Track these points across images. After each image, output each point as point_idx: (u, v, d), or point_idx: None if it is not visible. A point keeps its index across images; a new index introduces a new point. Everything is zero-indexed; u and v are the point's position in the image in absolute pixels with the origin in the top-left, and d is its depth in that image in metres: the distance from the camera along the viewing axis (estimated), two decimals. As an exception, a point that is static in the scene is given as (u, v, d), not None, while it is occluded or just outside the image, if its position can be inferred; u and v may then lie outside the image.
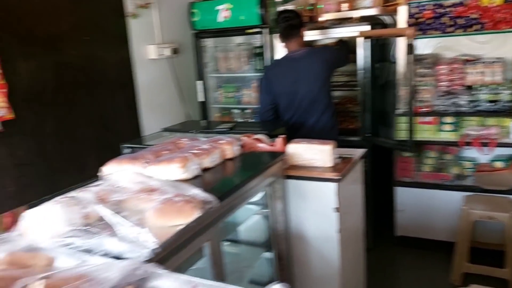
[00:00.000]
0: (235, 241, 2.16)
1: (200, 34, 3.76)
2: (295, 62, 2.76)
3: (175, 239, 1.17)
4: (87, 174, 1.77)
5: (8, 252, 1.05)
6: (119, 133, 3.14)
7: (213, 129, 2.73)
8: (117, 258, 1.05)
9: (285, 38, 2.81)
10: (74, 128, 2.85)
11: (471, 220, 2.79)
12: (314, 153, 1.99)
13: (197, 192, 1.37)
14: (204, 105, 3.95)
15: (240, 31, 3.56)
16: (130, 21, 3.26)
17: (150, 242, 1.10)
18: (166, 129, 2.93)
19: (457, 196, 3.05)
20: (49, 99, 2.69)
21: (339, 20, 3.27)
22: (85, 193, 1.37)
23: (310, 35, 3.16)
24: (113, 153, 2.00)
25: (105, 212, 1.17)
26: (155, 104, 3.54)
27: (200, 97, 3.92)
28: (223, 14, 3.52)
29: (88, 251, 1.09)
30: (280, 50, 3.23)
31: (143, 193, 1.34)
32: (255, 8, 3.37)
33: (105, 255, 1.07)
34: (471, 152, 3.14)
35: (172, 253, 1.18)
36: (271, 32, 3.45)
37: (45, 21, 2.67)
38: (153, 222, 1.19)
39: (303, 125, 2.81)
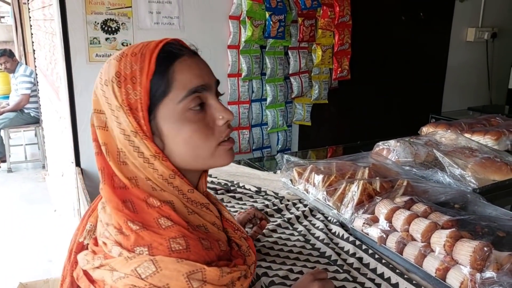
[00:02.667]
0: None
1: (528, 20, 3.61)
2: None
3: (490, 188, 1.48)
4: (391, 132, 2.21)
5: (371, 163, 1.60)
6: (423, 104, 3.51)
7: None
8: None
9: None
10: (386, 94, 3.38)
11: None
12: None
13: (512, 160, 1.62)
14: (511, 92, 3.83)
15: None
16: (458, 3, 3.48)
17: (473, 183, 1.45)
18: (471, 108, 3.11)
19: None
20: (374, 69, 3.28)
21: None
22: (417, 141, 1.82)
23: None
24: (414, 120, 2.39)
25: (439, 154, 1.59)
26: (461, 85, 3.71)
27: (511, 84, 3.81)
28: None
29: (422, 177, 1.53)
30: None
31: (465, 150, 1.69)
32: None
33: (436, 182, 1.49)
34: None
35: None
36: None
37: (388, 4, 3.22)
38: (475, 170, 1.53)
39: None
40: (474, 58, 3.73)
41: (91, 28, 2.23)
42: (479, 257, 0.89)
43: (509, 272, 0.88)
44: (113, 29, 2.30)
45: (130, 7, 2.31)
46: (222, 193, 1.46)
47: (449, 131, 2.04)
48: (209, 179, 1.57)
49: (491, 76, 3.83)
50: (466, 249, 0.91)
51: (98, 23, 2.25)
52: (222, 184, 1.54)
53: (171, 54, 0.74)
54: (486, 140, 1.93)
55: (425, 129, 2.19)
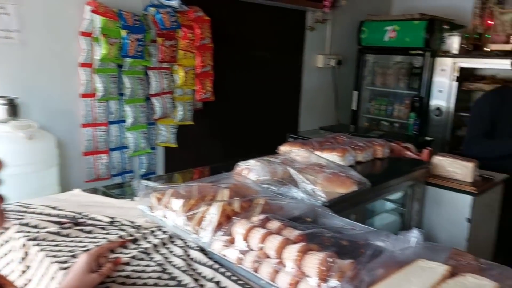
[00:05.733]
0: (369, 230, 2.52)
1: (364, 50, 4.16)
2: None
3: (336, 201, 1.62)
4: (252, 151, 2.31)
5: (232, 183, 1.61)
6: (281, 125, 3.75)
7: (363, 134, 3.11)
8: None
9: None
10: (249, 116, 3.53)
11: None
12: (457, 167, 2.24)
13: (354, 173, 1.80)
14: (355, 114, 4.34)
15: (403, 51, 3.86)
16: (308, 33, 3.83)
17: (322, 197, 1.56)
18: (322, 128, 3.42)
19: None
20: (236, 90, 3.40)
21: (505, 51, 3.34)
22: (274, 159, 1.91)
23: (473, 63, 3.30)
24: (274, 139, 2.54)
25: (293, 172, 1.68)
26: (313, 106, 4.07)
27: (354, 106, 4.32)
28: (389, 35, 3.86)
29: (279, 194, 1.60)
30: (439, 73, 3.44)
31: (315, 166, 1.82)
32: (422, 32, 3.63)
33: (291, 199, 1.57)
34: None
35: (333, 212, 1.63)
36: (432, 56, 3.67)
37: (245, 29, 3.39)
38: (323, 185, 1.65)
39: None
40: (323, 82, 4.14)
41: None
42: (324, 267, 0.94)
43: (350, 279, 0.95)
44: None
45: (-44, 16, 2.00)
46: (69, 227, 1.30)
47: (302, 149, 2.19)
48: (53, 211, 1.40)
49: (338, 98, 4.29)
50: (312, 261, 0.96)
51: None
52: (70, 216, 1.38)
53: None
54: (333, 157, 2.12)
55: (282, 148, 2.31)
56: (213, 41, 2.95)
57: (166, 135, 3.00)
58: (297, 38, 3.81)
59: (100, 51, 2.43)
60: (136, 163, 2.91)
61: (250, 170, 1.76)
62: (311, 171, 1.79)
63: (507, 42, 3.28)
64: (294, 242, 1.06)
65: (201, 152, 3.24)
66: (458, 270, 0.92)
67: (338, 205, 1.63)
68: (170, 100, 2.90)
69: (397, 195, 2.31)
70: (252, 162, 1.80)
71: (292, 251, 1.01)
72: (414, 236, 1.13)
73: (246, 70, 3.45)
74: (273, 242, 1.06)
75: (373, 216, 2.40)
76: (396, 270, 0.98)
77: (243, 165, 1.80)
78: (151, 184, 1.50)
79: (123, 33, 2.45)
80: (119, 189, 2.01)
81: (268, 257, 1.06)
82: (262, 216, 1.20)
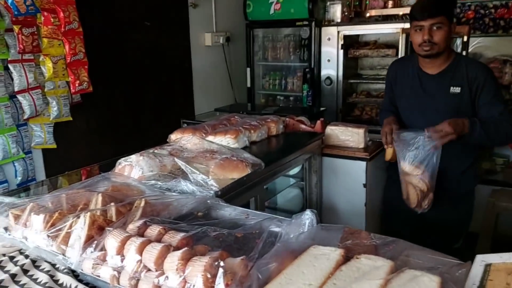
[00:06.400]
0: (274, 208, 2.50)
1: (252, 25, 4.08)
2: None
3: (230, 188, 1.51)
4: (148, 143, 2.13)
5: (111, 185, 1.42)
6: (175, 110, 3.54)
7: (260, 111, 3.05)
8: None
9: None
10: (137, 105, 3.26)
11: (495, 212, 2.98)
12: (349, 135, 2.28)
13: (248, 156, 1.71)
14: (251, 91, 4.28)
15: (289, 23, 3.85)
16: (192, 10, 3.63)
17: (214, 187, 1.44)
18: (217, 109, 3.30)
19: (486, 190, 3.21)
20: (118, 77, 3.11)
21: (384, 16, 3.48)
22: (161, 151, 1.74)
23: (355, 30, 3.39)
24: (170, 127, 2.35)
25: (181, 163, 1.53)
26: (207, 87, 3.91)
27: (248, 83, 4.25)
28: (274, 7, 3.82)
29: (168, 189, 1.44)
30: (326, 43, 3.50)
31: (206, 153, 1.69)
32: (305, 2, 3.65)
33: (180, 193, 1.42)
34: (505, 149, 3.29)
35: (228, 200, 1.52)
36: (317, 26, 3.71)
37: (119, 8, 3.08)
38: (215, 173, 1.53)
39: None
40: (214, 61, 3.99)
41: None
42: (210, 274, 0.82)
43: (241, 279, 0.85)
44: None
45: None
46: None
47: (194, 135, 2.04)
48: None
49: (232, 77, 4.19)
50: (197, 269, 0.84)
51: None
52: None
53: None
54: (227, 140, 2.01)
55: (173, 137, 2.15)
56: (81, 25, 2.62)
57: (41, 135, 2.63)
58: (180, 16, 3.58)
59: None
60: (10, 171, 2.52)
61: (133, 167, 1.57)
62: (202, 159, 1.66)
63: (385, 7, 3.43)
64: (177, 248, 0.92)
65: (87, 151, 2.93)
66: (353, 252, 0.87)
67: (233, 191, 1.53)
68: (40, 95, 2.54)
69: (295, 170, 2.29)
70: (133, 157, 1.61)
71: (173, 260, 0.87)
72: (307, 218, 1.06)
73: (126, 54, 3.16)
74: (152, 252, 0.91)
75: (276, 194, 2.36)
76: (289, 261, 0.89)
77: (123, 162, 1.60)
78: (7, 200, 1.24)
79: (-36, 21, 2.05)
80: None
81: (149, 270, 0.91)
82: (139, 222, 1.04)
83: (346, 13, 3.68)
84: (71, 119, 2.75)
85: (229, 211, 1.25)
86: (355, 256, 0.85)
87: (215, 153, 1.70)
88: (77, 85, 2.67)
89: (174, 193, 1.41)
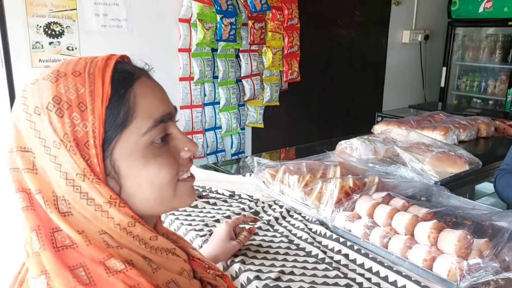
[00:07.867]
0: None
1: (455, 23, 3.92)
2: None
3: (449, 180, 1.58)
4: (335, 133, 2.29)
5: (338, 161, 1.63)
6: (364, 103, 3.68)
7: (461, 112, 2.96)
8: (409, 181, 1.52)
9: None
10: (332, 96, 3.50)
11: None
12: None
13: (464, 152, 1.74)
14: (443, 91, 4.13)
15: (500, 22, 3.59)
16: (394, 7, 3.69)
17: (433, 176, 1.54)
18: (411, 106, 3.31)
19: None
20: (320, 71, 3.38)
21: None
22: (375, 138, 1.90)
23: None
24: (357, 118, 2.45)
25: (400, 151, 1.66)
26: (398, 83, 3.94)
27: (442, 83, 4.11)
28: (485, 5, 3.60)
29: (385, 173, 1.59)
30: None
31: (421, 145, 1.78)
32: (523, -1, 3.35)
33: (401, 177, 1.56)
34: None
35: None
36: (536, 25, 3.38)
37: (330, 7, 3.34)
38: (433, 164, 1.62)
39: None
40: (409, 59, 3.97)
41: (33, 32, 2.08)
42: (464, 245, 0.94)
43: (492, 257, 0.94)
44: (57, 32, 2.15)
45: (75, 9, 2.18)
46: (195, 199, 1.41)
47: (403, 128, 2.15)
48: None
49: (425, 75, 4.11)
50: (450, 239, 0.96)
51: (40, 26, 2.09)
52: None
53: (128, 74, 0.58)
54: (435, 135, 2.06)
55: (377, 127, 2.29)
56: (300, 21, 2.95)
57: (254, 115, 3.08)
58: (382, 14, 3.68)
59: (197, 36, 2.54)
60: (227, 142, 3.03)
61: (353, 149, 1.77)
62: (417, 149, 1.76)
63: None
64: (424, 220, 1.07)
65: (284, 132, 3.29)
66: None
67: (448, 184, 1.59)
68: (258, 81, 2.97)
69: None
70: (354, 140, 1.80)
71: (425, 228, 1.02)
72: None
73: (330, 48, 3.42)
74: (402, 219, 1.07)
75: (479, 198, 2.31)
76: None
77: (344, 143, 1.81)
78: (263, 161, 1.56)
79: (218, 17, 2.54)
80: (228, 166, 2.12)
81: (397, 233, 1.08)
82: (383, 193, 1.22)
83: None
84: (278, 104, 3.14)
85: (454, 201, 1.33)
86: None
87: (429, 146, 1.78)
88: (289, 74, 3.03)
89: (395, 177, 1.55)
